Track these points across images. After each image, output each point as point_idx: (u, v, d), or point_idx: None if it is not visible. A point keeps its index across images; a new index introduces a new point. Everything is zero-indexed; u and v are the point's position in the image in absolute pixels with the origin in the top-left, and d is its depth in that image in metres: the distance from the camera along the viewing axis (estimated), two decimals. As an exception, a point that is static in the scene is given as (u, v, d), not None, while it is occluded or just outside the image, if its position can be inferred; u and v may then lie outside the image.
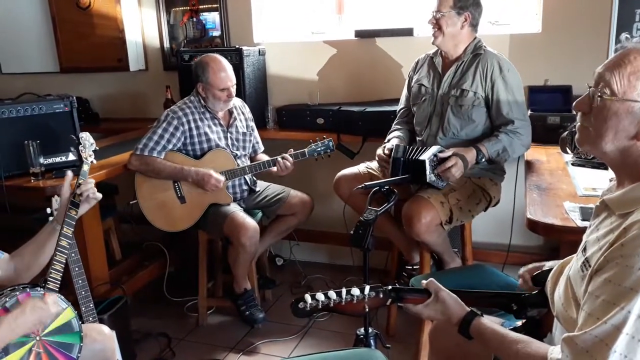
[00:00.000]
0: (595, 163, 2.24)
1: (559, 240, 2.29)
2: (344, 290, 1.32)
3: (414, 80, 2.60)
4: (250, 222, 2.60)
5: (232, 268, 2.72)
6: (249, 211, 2.78)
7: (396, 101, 2.78)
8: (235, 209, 2.68)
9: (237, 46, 3.13)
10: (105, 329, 1.77)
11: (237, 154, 2.80)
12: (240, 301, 2.75)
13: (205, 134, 2.72)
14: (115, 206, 3.27)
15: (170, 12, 3.55)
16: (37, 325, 1.46)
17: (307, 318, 2.70)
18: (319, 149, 2.69)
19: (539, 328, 1.36)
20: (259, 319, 2.74)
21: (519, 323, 1.42)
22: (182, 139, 2.69)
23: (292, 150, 2.69)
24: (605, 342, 0.96)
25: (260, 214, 2.87)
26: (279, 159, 2.66)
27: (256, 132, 2.97)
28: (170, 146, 2.67)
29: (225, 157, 2.73)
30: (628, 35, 1.11)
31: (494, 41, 2.62)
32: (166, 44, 3.60)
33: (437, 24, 2.37)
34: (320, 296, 1.30)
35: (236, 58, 2.99)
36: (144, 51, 3.67)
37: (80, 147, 1.92)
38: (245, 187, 2.84)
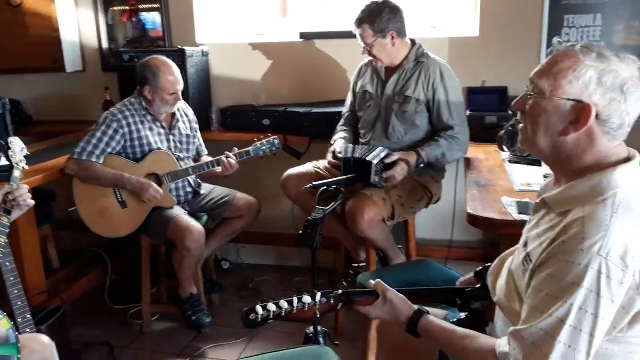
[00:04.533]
0: (530, 160, 2.36)
1: (499, 235, 2.39)
2: (295, 299, 1.32)
3: (358, 86, 2.65)
4: (196, 226, 2.56)
5: (177, 273, 2.66)
6: (194, 214, 2.73)
7: (341, 102, 2.81)
8: (180, 213, 2.63)
9: (179, 47, 3.07)
10: (44, 338, 1.70)
11: (180, 157, 2.75)
12: (186, 306, 2.70)
13: (146, 137, 2.65)
14: (52, 213, 3.13)
15: (108, 11, 3.44)
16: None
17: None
18: (265, 148, 2.68)
19: (482, 318, 1.41)
20: (206, 323, 2.69)
21: (463, 316, 1.47)
22: (122, 142, 2.61)
23: (236, 149, 2.67)
24: (550, 334, 1.00)
25: (205, 217, 2.83)
26: (223, 158, 2.64)
27: (199, 135, 2.93)
28: (109, 150, 2.59)
29: (167, 159, 2.67)
30: (560, 40, 1.18)
31: (433, 45, 2.70)
32: (105, 45, 3.49)
33: (371, 54, 2.45)
34: (271, 306, 1.30)
35: (179, 59, 2.94)
36: (82, 52, 3.54)
37: (10, 153, 1.84)
38: (189, 190, 2.79)
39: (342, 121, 2.74)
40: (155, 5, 3.36)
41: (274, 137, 2.71)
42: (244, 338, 2.70)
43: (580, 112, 1.06)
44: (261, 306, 1.29)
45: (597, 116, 1.06)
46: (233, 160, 2.64)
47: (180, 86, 2.65)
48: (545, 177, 2.02)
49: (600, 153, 1.09)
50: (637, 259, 0.99)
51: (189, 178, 2.75)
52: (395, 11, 2.42)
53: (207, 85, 3.29)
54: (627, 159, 1.09)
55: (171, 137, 2.74)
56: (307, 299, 1.32)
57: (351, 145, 2.44)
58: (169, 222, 2.55)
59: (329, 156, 2.54)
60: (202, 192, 2.85)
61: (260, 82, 3.32)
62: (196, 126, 2.89)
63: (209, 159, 2.77)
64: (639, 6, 2.77)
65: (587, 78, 1.06)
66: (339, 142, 2.55)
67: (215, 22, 3.40)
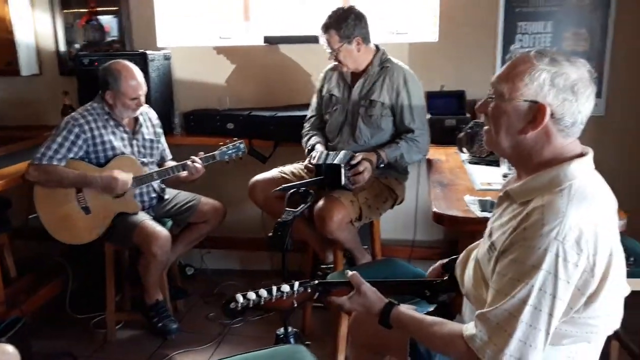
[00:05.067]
0: (488, 161, 2.46)
1: (458, 233, 2.48)
2: (274, 288, 1.35)
3: (324, 90, 2.70)
4: (162, 231, 2.54)
5: (142, 279, 2.63)
6: (158, 220, 2.70)
7: (306, 106, 2.85)
8: (145, 218, 2.60)
9: (141, 50, 3.04)
10: (9, 347, 1.66)
11: (144, 161, 2.72)
12: (151, 313, 2.66)
13: (110, 141, 2.61)
14: (9, 221, 3.02)
15: (66, 14, 3.37)
16: None
17: (231, 320, 2.78)
18: (230, 152, 2.69)
19: (450, 310, 1.47)
20: (172, 329, 2.66)
21: (431, 308, 1.53)
22: (85, 147, 2.57)
23: (202, 153, 2.67)
24: (513, 314, 1.08)
25: (170, 223, 2.80)
26: (189, 162, 2.63)
27: (163, 139, 2.91)
28: (71, 155, 2.54)
29: (131, 163, 2.64)
30: (517, 46, 1.26)
31: (394, 49, 2.77)
32: (62, 48, 3.41)
33: (337, 59, 2.50)
34: (251, 295, 1.32)
35: (140, 63, 2.89)
36: (37, 54, 3.44)
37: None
38: (153, 195, 2.77)
39: (307, 125, 2.77)
40: (114, 8, 3.31)
41: (240, 141, 2.72)
42: (211, 343, 2.69)
43: (537, 111, 1.15)
44: (242, 295, 1.32)
45: (551, 115, 1.14)
46: (199, 165, 2.63)
47: (143, 91, 2.62)
48: (505, 176, 2.11)
49: (557, 149, 1.17)
50: (590, 243, 1.07)
51: (154, 183, 2.72)
52: (361, 17, 2.48)
53: (169, 89, 3.26)
54: (581, 154, 1.18)
55: (134, 142, 2.71)
56: (285, 287, 1.36)
57: (325, 152, 2.48)
58: (135, 228, 2.51)
59: (307, 162, 2.56)
60: (167, 197, 2.83)
61: (224, 85, 3.32)
62: (160, 130, 2.87)
63: (173, 163, 2.75)
64: (584, 14, 2.94)
65: (541, 80, 1.14)
66: (318, 147, 2.58)
67: (178, 26, 3.38)
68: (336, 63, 2.56)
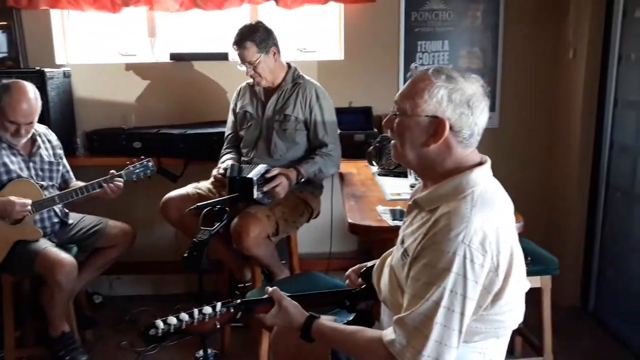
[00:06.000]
0: (397, 172, 2.58)
1: (373, 242, 2.56)
2: (195, 310, 1.31)
3: (238, 107, 2.70)
4: (67, 257, 2.39)
5: (46, 310, 2.45)
6: (62, 246, 2.54)
7: (218, 123, 2.83)
8: (47, 245, 2.43)
9: (37, 68, 2.87)
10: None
11: (43, 185, 2.55)
12: (58, 346, 2.48)
13: (3, 164, 2.44)
14: None
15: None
16: None
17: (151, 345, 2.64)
18: (138, 170, 2.58)
19: (369, 318, 1.52)
20: (82, 362, 2.51)
21: (351, 317, 1.57)
22: (-25, 172, 2.37)
23: (114, 171, 2.54)
24: (429, 317, 1.14)
25: (75, 249, 2.65)
26: (104, 183, 2.49)
27: (65, 161, 2.75)
28: (-41, 180, 2.33)
29: (29, 187, 2.47)
30: (417, 64, 1.35)
31: (303, 67, 2.83)
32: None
33: (255, 72, 2.51)
34: (172, 319, 1.28)
35: (38, 81, 2.73)
36: None
37: None
38: (55, 220, 2.60)
39: (225, 144, 2.76)
40: (4, 23, 3.10)
41: (148, 159, 2.63)
42: (125, 373, 2.57)
43: (437, 125, 1.23)
44: (162, 320, 1.26)
45: (451, 128, 1.23)
46: (120, 182, 2.50)
47: (24, 120, 2.42)
48: (412, 186, 2.22)
49: (458, 159, 1.26)
50: (494, 245, 1.15)
51: (55, 207, 2.56)
52: (269, 31, 2.53)
53: (70, 108, 3.10)
54: (480, 163, 1.28)
55: (31, 165, 2.54)
56: (207, 309, 1.32)
57: (237, 164, 2.46)
58: (36, 256, 2.35)
59: (215, 171, 2.53)
60: (70, 221, 2.67)
61: (130, 103, 3.21)
62: (61, 152, 2.71)
63: (80, 183, 2.61)
64: (476, 35, 3.19)
65: (440, 97, 1.22)
66: (228, 162, 2.57)
67: (77, 42, 3.23)
68: (250, 80, 2.57)
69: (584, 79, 2.92)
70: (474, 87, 1.24)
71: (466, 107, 1.22)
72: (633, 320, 2.70)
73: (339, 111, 2.99)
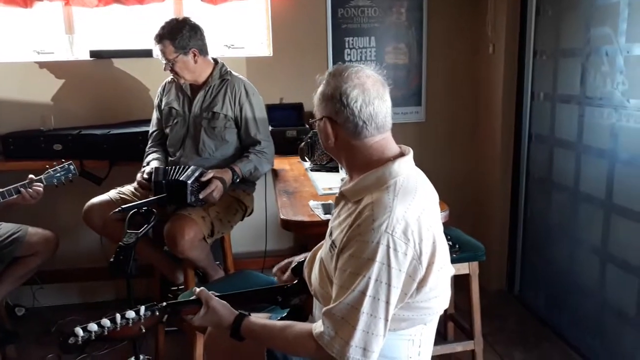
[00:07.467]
0: (329, 167, 2.60)
1: (307, 237, 2.57)
2: (118, 316, 1.26)
3: (163, 103, 2.61)
4: (-19, 269, 2.24)
5: (-40, 327, 2.29)
6: (-24, 257, 2.38)
7: (142, 122, 2.73)
8: (-42, 257, 2.27)
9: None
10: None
11: (-49, 193, 2.37)
12: (-27, 366, 2.33)
13: None
14: None
15: None
16: None
17: (77, 355, 2.49)
18: (58, 174, 2.45)
19: (302, 313, 1.51)
20: (3, 380, 2.36)
21: (285, 313, 1.56)
22: None
23: (32, 176, 2.40)
24: (355, 307, 1.15)
25: (-8, 259, 2.48)
26: (22, 189, 2.34)
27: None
28: None
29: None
30: (339, 63, 1.38)
31: (231, 63, 2.79)
32: None
33: (172, 71, 2.45)
34: (92, 326, 1.22)
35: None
36: None
37: None
38: (-32, 230, 2.43)
39: (150, 141, 2.66)
40: None
41: (69, 162, 2.50)
42: (50, 388, 2.44)
43: (325, 124, 1.31)
44: (81, 328, 1.20)
45: (335, 123, 1.29)
46: (40, 187, 2.36)
47: None
48: (342, 180, 2.25)
49: (368, 150, 1.29)
50: (416, 233, 1.18)
51: (-33, 216, 2.39)
52: (196, 29, 2.45)
53: (-20, 110, 2.90)
54: (402, 154, 1.31)
55: (-62, 171, 2.36)
56: (130, 314, 1.27)
57: (162, 167, 2.38)
58: (-55, 269, 2.18)
59: (139, 176, 2.44)
60: (-15, 230, 2.50)
61: (48, 104, 3.04)
62: (-28, 157, 2.53)
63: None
64: (402, 31, 3.27)
65: (320, 97, 1.31)
66: (153, 163, 2.48)
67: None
68: (172, 75, 2.50)
69: (503, 73, 3.06)
70: (353, 83, 1.27)
71: (338, 102, 1.27)
72: (554, 302, 2.86)
73: (270, 108, 3.00)
